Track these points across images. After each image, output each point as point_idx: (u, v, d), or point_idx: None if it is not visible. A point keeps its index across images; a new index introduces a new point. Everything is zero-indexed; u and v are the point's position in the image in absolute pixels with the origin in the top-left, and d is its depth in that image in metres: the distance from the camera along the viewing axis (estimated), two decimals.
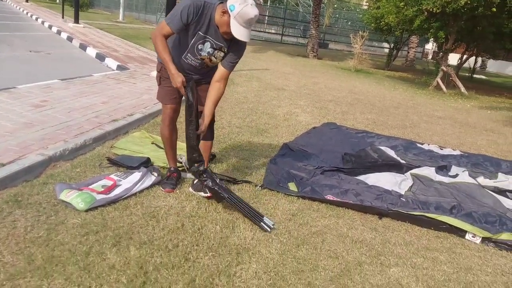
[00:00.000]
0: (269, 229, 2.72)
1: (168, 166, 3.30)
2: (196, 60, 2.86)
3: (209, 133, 3.13)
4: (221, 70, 2.89)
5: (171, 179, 3.19)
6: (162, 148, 3.79)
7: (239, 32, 2.64)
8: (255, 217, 2.79)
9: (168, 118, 3.09)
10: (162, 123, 3.13)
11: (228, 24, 2.64)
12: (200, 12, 2.65)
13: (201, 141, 3.12)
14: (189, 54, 2.85)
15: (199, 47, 2.80)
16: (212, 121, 3.10)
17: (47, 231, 2.37)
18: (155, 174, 3.22)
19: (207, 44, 2.80)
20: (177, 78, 2.71)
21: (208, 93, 2.92)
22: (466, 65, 15.77)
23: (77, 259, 2.15)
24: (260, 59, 13.82)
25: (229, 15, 2.61)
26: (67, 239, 2.32)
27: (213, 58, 2.85)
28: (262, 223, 2.76)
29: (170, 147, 3.23)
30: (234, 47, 2.82)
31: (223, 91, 2.94)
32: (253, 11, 2.59)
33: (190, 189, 3.15)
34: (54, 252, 2.18)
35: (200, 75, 2.99)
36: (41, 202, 2.68)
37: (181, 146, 4.01)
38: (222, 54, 2.85)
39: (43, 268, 2.05)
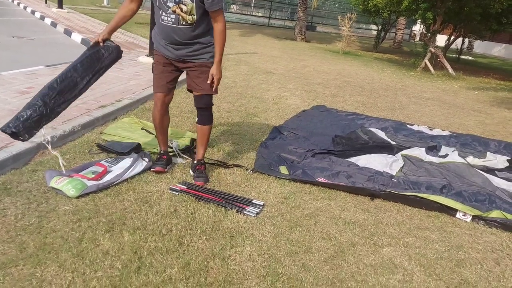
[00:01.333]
0: (253, 214, 2.71)
1: (159, 150, 3.30)
2: (169, 16, 2.76)
3: (207, 117, 3.10)
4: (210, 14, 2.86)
5: (161, 160, 3.21)
6: (152, 134, 3.76)
7: None
8: (239, 205, 2.79)
9: (158, 102, 3.07)
10: (154, 107, 3.12)
11: None
12: None
13: (198, 126, 3.10)
14: (163, 14, 2.78)
15: (164, 0, 2.75)
16: (210, 105, 3.08)
17: (38, 218, 2.34)
18: (146, 159, 3.19)
19: None
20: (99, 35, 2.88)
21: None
22: (453, 46, 15.82)
23: (70, 245, 2.13)
24: (247, 42, 13.69)
25: None
26: (59, 226, 2.29)
27: (182, 6, 2.72)
28: (247, 209, 2.75)
29: (161, 132, 3.22)
30: None
31: (222, 27, 2.86)
32: None
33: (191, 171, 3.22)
34: (46, 240, 2.16)
35: (186, 45, 2.87)
36: (31, 189, 2.64)
37: (173, 132, 3.98)
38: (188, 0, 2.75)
39: (35, 256, 2.02)
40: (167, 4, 2.75)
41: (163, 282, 1.96)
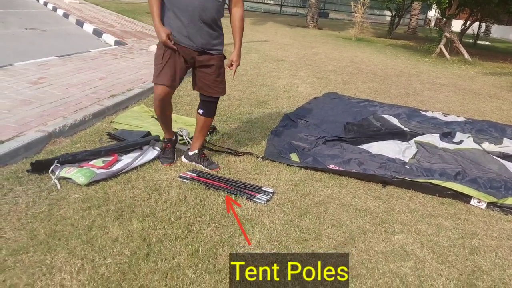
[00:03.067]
0: (263, 201, 2.69)
1: (163, 138, 3.23)
2: None
3: (213, 109, 3.06)
4: None
5: (167, 152, 3.15)
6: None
7: None
8: (248, 192, 2.77)
9: (158, 98, 2.84)
10: (154, 100, 2.90)
11: None
12: None
13: (201, 117, 3.05)
14: None
15: None
16: (217, 97, 3.03)
17: (49, 206, 2.36)
18: (157, 148, 3.19)
19: None
20: (161, 33, 2.69)
21: (231, 22, 2.92)
22: (469, 31, 15.48)
23: (79, 233, 2.14)
24: (258, 31, 13.58)
25: None
26: (69, 214, 2.30)
27: None
28: (257, 196, 2.73)
29: (163, 121, 3.08)
30: None
31: (243, 12, 2.92)
32: None
33: (183, 159, 3.17)
34: (56, 227, 2.17)
35: (210, 27, 2.77)
36: (42, 178, 2.66)
37: (182, 120, 3.97)
38: None
39: (45, 243, 2.04)
40: None
41: (171, 269, 1.96)
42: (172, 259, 2.03)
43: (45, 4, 14.53)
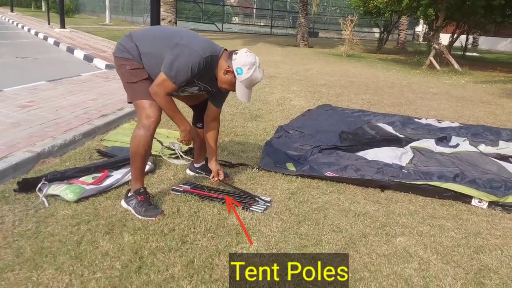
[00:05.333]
0: (261, 210, 2.61)
1: (134, 187, 2.52)
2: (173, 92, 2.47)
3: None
4: (213, 109, 2.78)
5: (147, 202, 2.47)
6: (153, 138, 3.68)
7: (243, 94, 2.49)
8: (244, 203, 2.69)
9: (155, 121, 2.40)
10: (142, 131, 2.38)
11: (230, 84, 2.48)
12: (205, 66, 2.38)
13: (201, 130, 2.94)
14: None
15: (185, 88, 2.53)
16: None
17: (36, 224, 2.27)
18: (149, 162, 3.11)
19: (195, 88, 2.56)
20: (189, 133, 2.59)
21: (206, 135, 2.84)
22: (457, 44, 15.68)
23: (68, 248, 2.05)
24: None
25: (234, 76, 2.44)
26: (57, 230, 2.21)
27: (193, 93, 2.66)
28: (254, 206, 2.66)
29: (144, 162, 2.50)
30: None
31: (219, 126, 2.90)
32: (260, 74, 2.48)
33: (189, 171, 3.09)
34: (43, 244, 2.08)
35: None
36: (29, 196, 2.57)
37: (174, 135, 3.91)
38: (204, 93, 2.70)
39: (32, 260, 1.94)
40: (184, 90, 2.57)
41: (165, 281, 1.87)
42: (165, 271, 1.94)
43: (36, 34, 14.64)
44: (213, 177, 2.90)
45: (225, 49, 2.52)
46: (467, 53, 17.71)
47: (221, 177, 2.91)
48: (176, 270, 1.95)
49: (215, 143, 2.89)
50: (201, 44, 2.38)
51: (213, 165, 2.91)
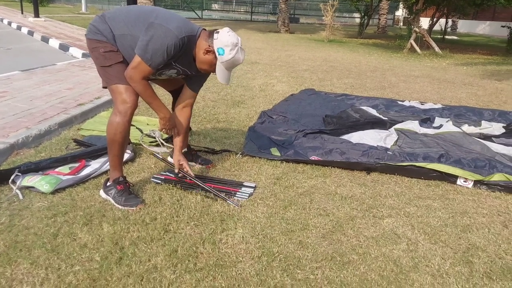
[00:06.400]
0: (246, 197, 2.54)
1: (113, 176, 2.42)
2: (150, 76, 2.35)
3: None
4: (189, 94, 2.59)
5: (127, 192, 2.38)
6: (132, 125, 3.56)
7: (223, 76, 2.36)
8: (229, 189, 2.61)
9: (132, 106, 2.29)
10: (119, 117, 2.27)
11: (210, 64, 2.35)
12: (181, 47, 2.26)
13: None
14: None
15: (163, 71, 2.39)
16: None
17: (10, 217, 2.15)
18: (128, 151, 3.00)
19: (173, 70, 2.41)
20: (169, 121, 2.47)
21: (177, 120, 2.60)
22: (437, 27, 15.76)
23: (44, 241, 1.95)
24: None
25: (215, 56, 2.31)
26: (32, 223, 2.10)
27: (171, 77, 2.52)
28: (238, 192, 2.59)
29: (122, 149, 2.39)
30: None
31: (191, 115, 2.69)
32: (242, 56, 2.35)
33: (170, 159, 2.96)
34: (18, 238, 1.97)
35: None
36: (2, 189, 2.44)
37: (154, 122, 3.80)
38: (183, 76, 2.56)
39: (5, 255, 1.84)
40: (161, 74, 2.42)
41: (147, 271, 1.79)
42: (148, 261, 1.86)
43: (9, 23, 14.16)
44: (179, 170, 2.62)
45: (204, 29, 2.40)
46: (447, 37, 17.84)
47: (186, 170, 2.61)
48: (158, 260, 1.87)
49: (185, 133, 2.69)
50: (176, 23, 2.24)
51: (175, 156, 2.64)
